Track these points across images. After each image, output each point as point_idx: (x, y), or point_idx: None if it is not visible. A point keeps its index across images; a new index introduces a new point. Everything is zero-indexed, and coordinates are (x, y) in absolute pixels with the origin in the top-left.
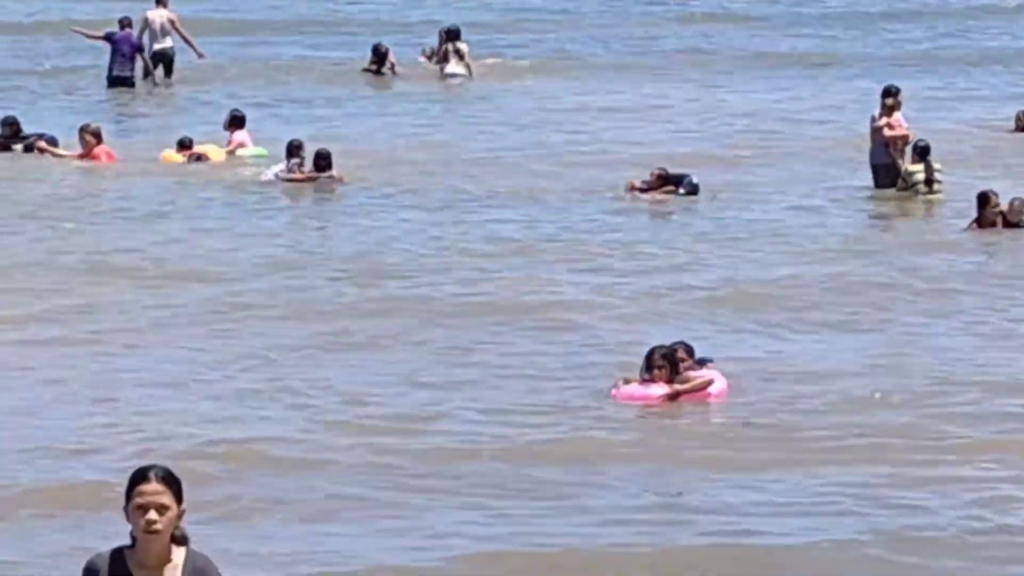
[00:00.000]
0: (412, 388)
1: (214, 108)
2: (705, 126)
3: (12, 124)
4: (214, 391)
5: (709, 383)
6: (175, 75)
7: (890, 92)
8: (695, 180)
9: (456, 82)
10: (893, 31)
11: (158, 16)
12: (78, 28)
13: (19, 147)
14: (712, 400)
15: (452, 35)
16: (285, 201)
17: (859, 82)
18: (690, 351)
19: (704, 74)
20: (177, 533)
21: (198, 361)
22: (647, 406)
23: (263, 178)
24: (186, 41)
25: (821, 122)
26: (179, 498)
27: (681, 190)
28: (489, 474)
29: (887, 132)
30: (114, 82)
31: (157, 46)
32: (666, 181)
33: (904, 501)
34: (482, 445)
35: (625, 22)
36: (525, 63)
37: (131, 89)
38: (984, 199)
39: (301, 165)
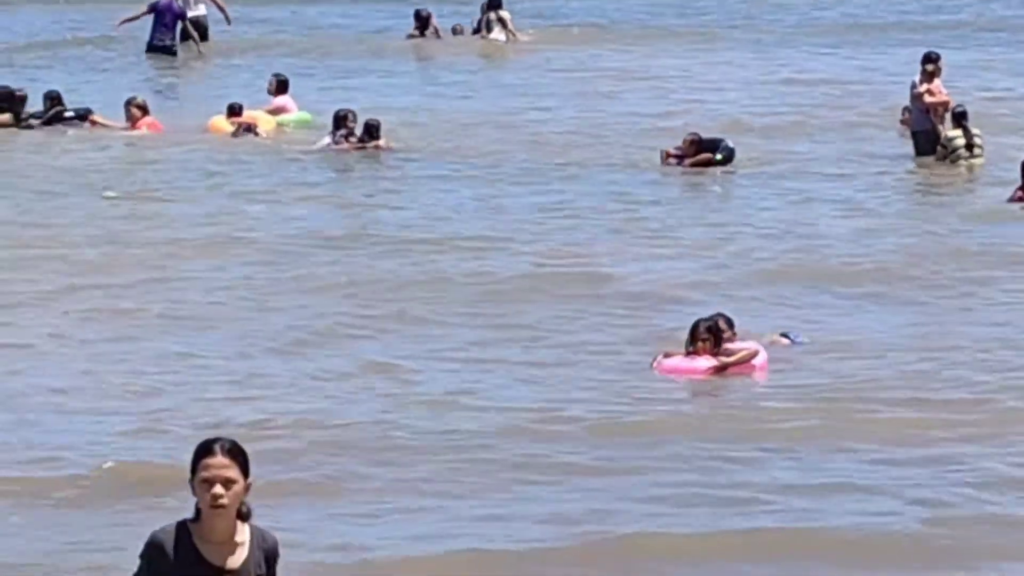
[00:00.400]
0: (461, 365)
1: (257, 76)
2: (750, 94)
3: (55, 99)
4: (269, 368)
5: (754, 355)
6: (211, 45)
7: (930, 58)
8: (730, 144)
9: (499, 48)
10: None
11: None
12: (124, 19)
13: (37, 122)
14: (757, 372)
15: (493, 3)
16: (333, 173)
17: (905, 49)
18: (730, 323)
19: (750, 41)
20: (243, 508)
21: (253, 337)
22: (692, 379)
23: (314, 147)
24: (218, 7)
25: (866, 86)
26: (245, 472)
27: (718, 155)
28: (549, 454)
29: (927, 98)
30: (152, 49)
31: (190, 14)
32: (699, 147)
33: (963, 478)
34: (540, 424)
35: None
36: (574, 31)
37: (171, 57)
38: None
39: (349, 136)
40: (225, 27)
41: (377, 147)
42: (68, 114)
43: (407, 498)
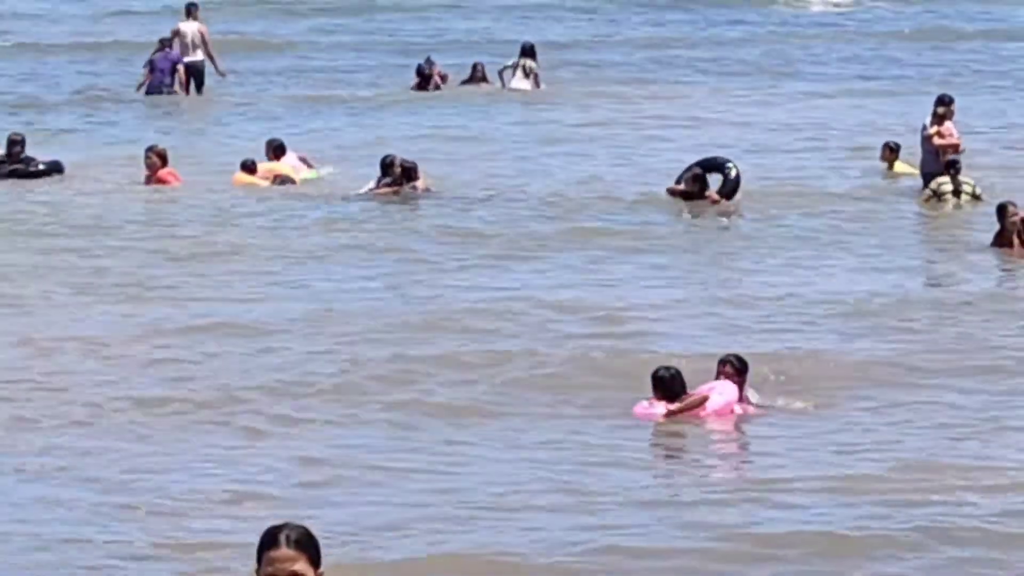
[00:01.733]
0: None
1: (264, 129)
2: (771, 137)
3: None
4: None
5: (702, 401)
6: (208, 95)
7: (943, 101)
8: (733, 171)
9: (517, 97)
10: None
11: (190, 29)
12: (139, 85)
13: None
14: (711, 417)
15: (527, 51)
16: (372, 226)
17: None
18: (742, 366)
19: (778, 90)
20: None
21: (327, 439)
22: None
23: (359, 192)
24: (209, 57)
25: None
26: (316, 561)
27: (727, 173)
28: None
29: (937, 140)
30: (149, 91)
31: (187, 59)
32: (704, 182)
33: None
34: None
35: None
36: (603, 90)
37: (167, 97)
38: (1002, 210)
39: (394, 182)
40: (219, 78)
41: (414, 188)
42: (40, 167)
43: None
